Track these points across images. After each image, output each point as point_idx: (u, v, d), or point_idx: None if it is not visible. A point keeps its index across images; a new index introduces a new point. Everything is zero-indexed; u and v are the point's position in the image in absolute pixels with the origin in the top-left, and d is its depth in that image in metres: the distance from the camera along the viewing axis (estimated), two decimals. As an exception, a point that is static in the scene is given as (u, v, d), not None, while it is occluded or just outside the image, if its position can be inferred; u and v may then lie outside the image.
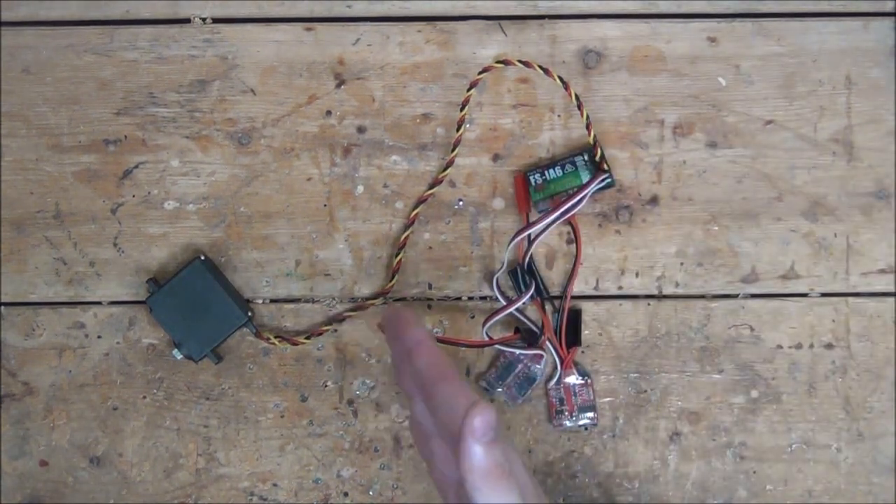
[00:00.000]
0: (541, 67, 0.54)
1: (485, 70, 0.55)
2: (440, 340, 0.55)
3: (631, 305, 0.58)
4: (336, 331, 0.58)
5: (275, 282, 0.58)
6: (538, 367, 0.57)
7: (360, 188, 0.58)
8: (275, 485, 0.58)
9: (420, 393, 0.43)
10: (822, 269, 0.58)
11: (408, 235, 0.57)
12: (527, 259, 0.56)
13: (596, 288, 0.58)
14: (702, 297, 0.58)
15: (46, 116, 0.58)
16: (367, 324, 0.58)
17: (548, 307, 0.57)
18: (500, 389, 0.57)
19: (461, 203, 0.58)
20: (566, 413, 0.57)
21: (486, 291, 0.58)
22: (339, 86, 0.58)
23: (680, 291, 0.58)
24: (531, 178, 0.56)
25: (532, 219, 0.56)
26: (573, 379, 0.57)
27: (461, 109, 0.56)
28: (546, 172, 0.56)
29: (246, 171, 0.58)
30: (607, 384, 0.58)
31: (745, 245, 0.58)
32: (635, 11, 0.58)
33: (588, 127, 0.55)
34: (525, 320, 0.57)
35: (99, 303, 0.58)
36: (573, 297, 0.57)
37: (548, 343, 0.56)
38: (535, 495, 0.42)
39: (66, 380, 0.58)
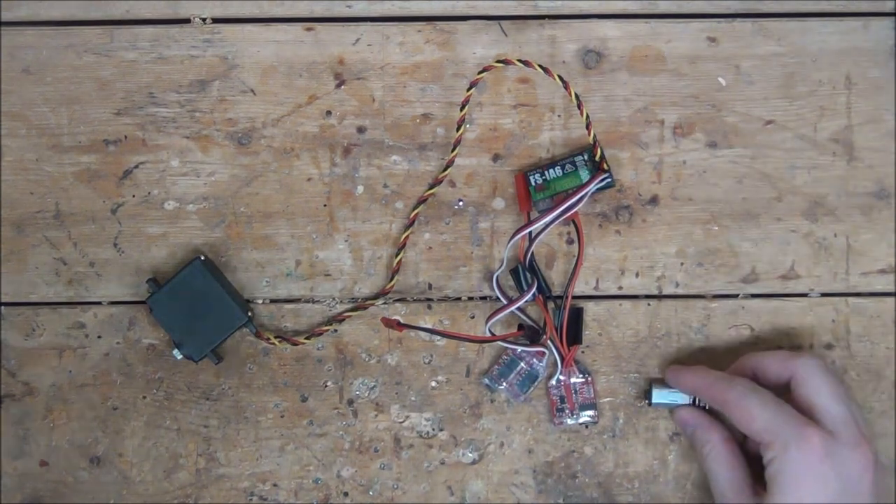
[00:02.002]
0: (541, 67, 0.54)
1: (485, 70, 0.55)
2: (443, 335, 0.55)
3: (631, 305, 0.58)
4: (336, 331, 0.58)
5: (275, 282, 0.58)
6: (540, 364, 0.57)
7: (360, 188, 0.58)
8: (275, 485, 0.58)
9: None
10: (822, 269, 0.58)
11: (408, 235, 0.57)
12: (528, 256, 0.56)
13: (596, 288, 0.58)
14: (702, 297, 0.58)
15: (46, 116, 0.58)
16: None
17: (549, 305, 0.57)
18: (502, 387, 0.57)
19: (461, 203, 0.58)
20: (567, 411, 0.57)
21: (487, 291, 0.58)
22: (339, 86, 0.58)
23: (680, 291, 0.58)
24: (531, 178, 0.56)
25: (532, 218, 0.56)
26: (574, 377, 0.57)
27: (461, 109, 0.56)
28: (546, 172, 0.56)
29: (246, 171, 0.58)
30: (607, 384, 0.58)
31: (745, 245, 0.58)
32: (635, 11, 0.58)
33: (588, 127, 0.55)
34: (526, 318, 0.57)
35: (99, 303, 0.58)
36: (573, 297, 0.57)
37: (549, 341, 0.56)
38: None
39: (66, 380, 0.58)
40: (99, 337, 0.58)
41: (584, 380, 0.57)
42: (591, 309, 0.58)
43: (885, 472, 0.49)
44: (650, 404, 0.56)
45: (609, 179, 0.55)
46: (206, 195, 0.58)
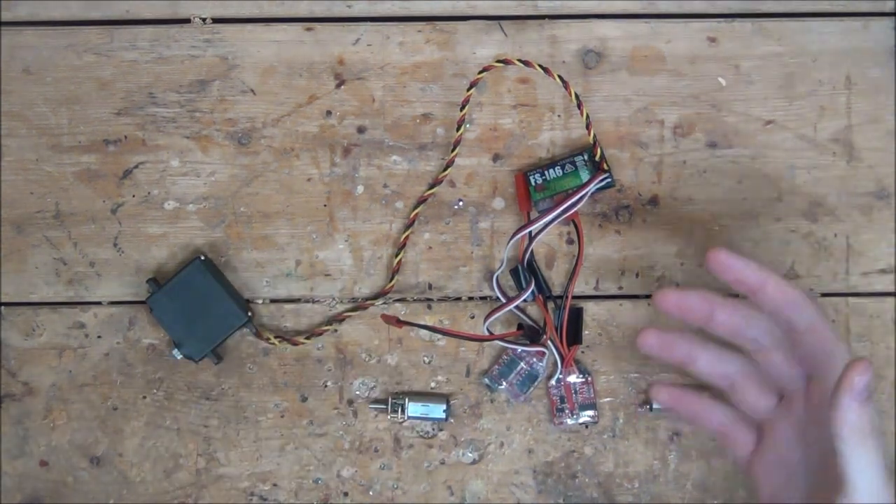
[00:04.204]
0: (541, 67, 0.54)
1: (485, 70, 0.55)
2: (443, 332, 0.55)
3: (631, 305, 0.58)
4: (336, 331, 0.58)
5: (275, 282, 0.58)
6: (540, 364, 0.57)
7: (360, 188, 0.58)
8: (275, 485, 0.58)
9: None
10: (822, 269, 0.58)
11: (408, 235, 0.57)
12: (527, 256, 0.56)
13: (596, 288, 0.58)
14: (702, 297, 0.58)
15: (46, 116, 0.58)
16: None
17: (549, 305, 0.57)
18: (502, 387, 0.57)
19: (461, 203, 0.58)
20: (567, 411, 0.57)
21: (487, 291, 0.58)
22: (339, 86, 0.58)
23: (680, 291, 0.58)
24: (531, 178, 0.56)
25: (532, 218, 0.56)
26: (574, 377, 0.57)
27: (461, 109, 0.56)
28: (546, 172, 0.56)
29: (246, 171, 0.58)
30: (607, 384, 0.58)
31: (745, 245, 0.58)
32: (635, 11, 0.58)
33: (588, 127, 0.55)
34: (526, 318, 0.57)
35: (99, 303, 0.58)
36: (573, 297, 0.57)
37: (549, 341, 0.56)
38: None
39: (66, 380, 0.58)
40: (99, 337, 0.58)
41: (583, 380, 0.57)
42: (591, 309, 0.58)
43: None
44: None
45: (609, 179, 0.55)
46: (206, 195, 0.58)
